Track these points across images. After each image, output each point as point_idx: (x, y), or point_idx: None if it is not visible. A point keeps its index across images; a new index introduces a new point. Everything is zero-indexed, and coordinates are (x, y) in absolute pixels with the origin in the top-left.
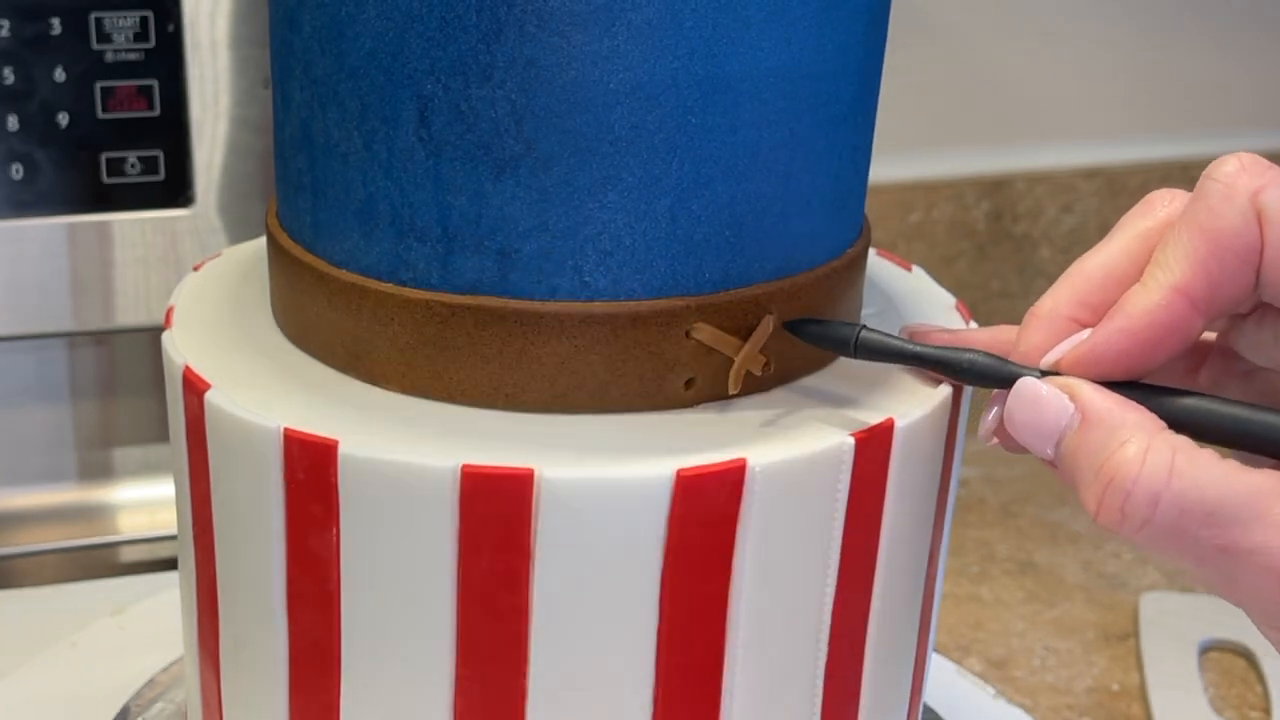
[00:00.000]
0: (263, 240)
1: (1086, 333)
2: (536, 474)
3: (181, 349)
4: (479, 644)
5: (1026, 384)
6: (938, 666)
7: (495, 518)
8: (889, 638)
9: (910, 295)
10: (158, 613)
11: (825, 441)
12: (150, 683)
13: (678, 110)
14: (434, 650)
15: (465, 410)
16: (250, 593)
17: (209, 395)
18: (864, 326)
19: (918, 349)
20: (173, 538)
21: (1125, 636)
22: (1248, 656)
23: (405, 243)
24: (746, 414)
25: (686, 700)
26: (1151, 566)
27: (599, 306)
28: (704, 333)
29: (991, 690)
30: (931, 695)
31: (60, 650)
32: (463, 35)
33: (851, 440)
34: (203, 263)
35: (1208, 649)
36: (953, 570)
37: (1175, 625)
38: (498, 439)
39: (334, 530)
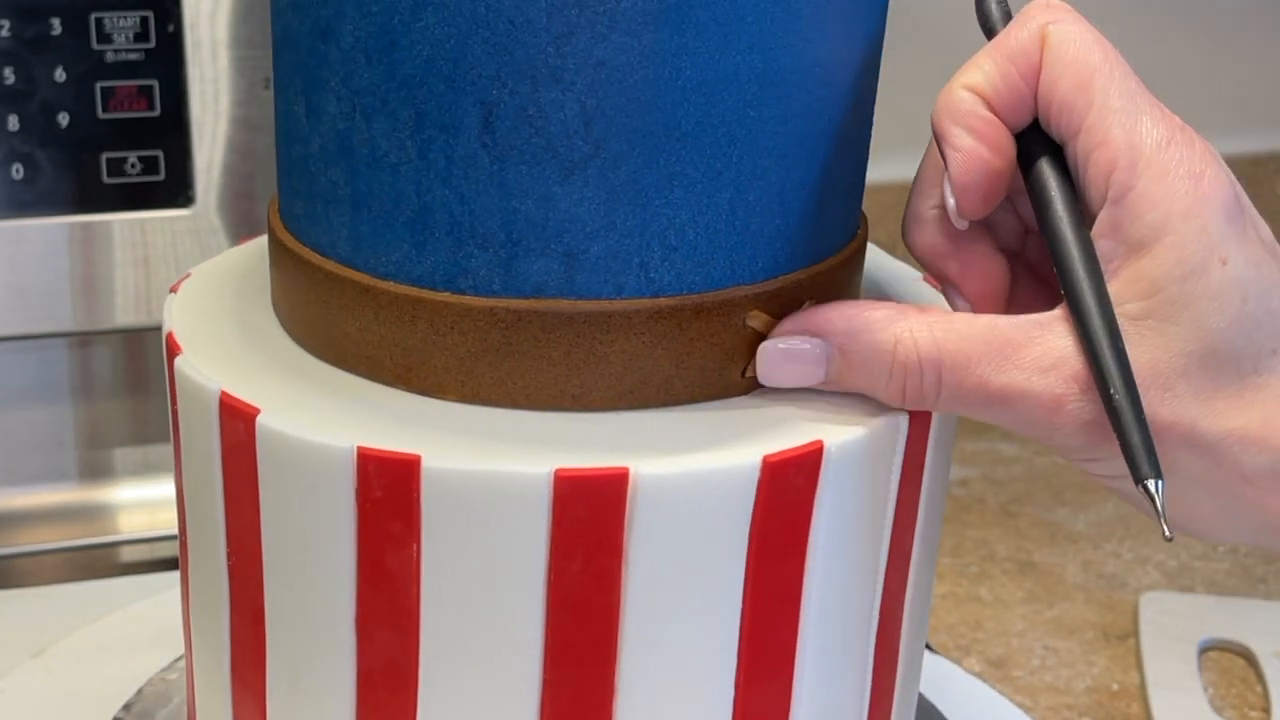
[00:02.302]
0: (233, 253)
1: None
2: (631, 473)
3: (209, 374)
4: (568, 646)
5: (772, 349)
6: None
7: (589, 520)
8: (918, 604)
9: (878, 270)
10: (82, 649)
11: (884, 418)
12: None
13: (738, 104)
14: (521, 656)
15: (531, 414)
16: (311, 618)
17: (261, 420)
18: None
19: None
20: (173, 538)
21: (1125, 636)
22: (1248, 656)
23: (465, 250)
24: (800, 396)
25: (765, 680)
26: (1151, 566)
27: (665, 302)
28: (758, 320)
29: (945, 659)
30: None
31: (14, 678)
32: (532, 39)
33: (906, 415)
34: (178, 284)
35: (1207, 649)
36: (953, 570)
37: (1175, 625)
38: (576, 441)
39: (414, 547)
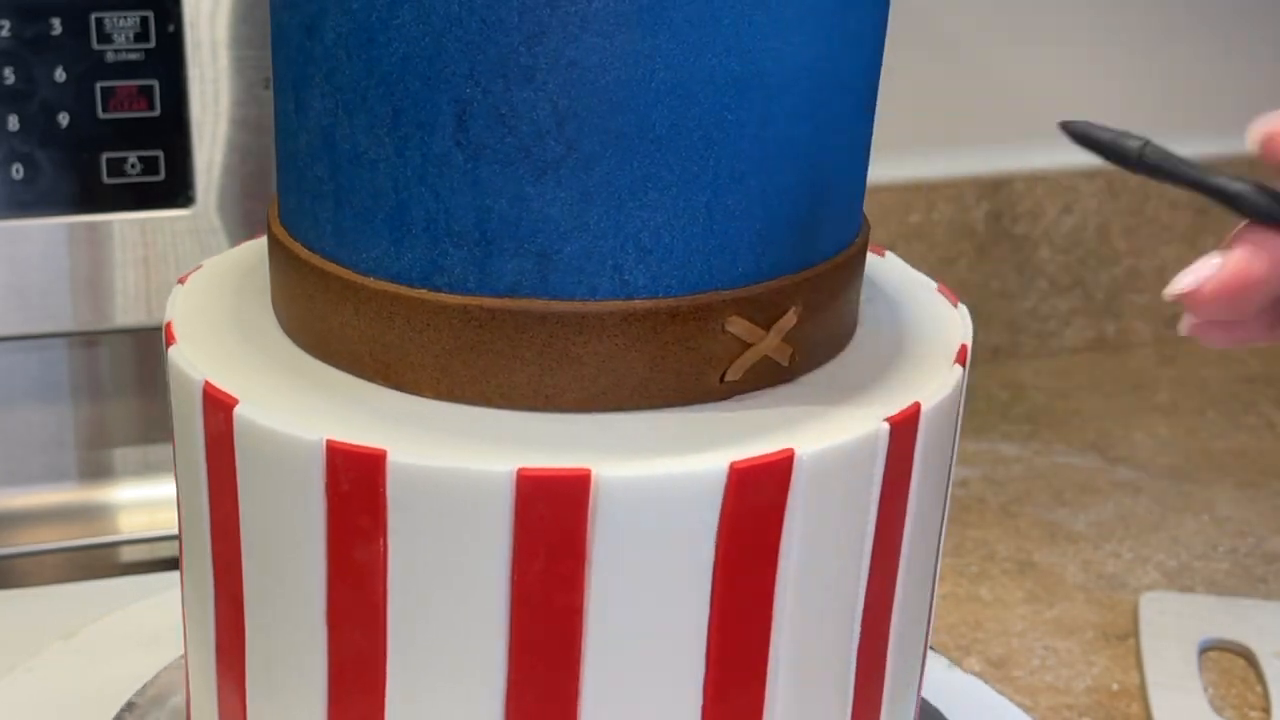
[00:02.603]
0: (245, 248)
1: None
2: (594, 474)
3: (196, 364)
4: (532, 646)
5: None
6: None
7: (551, 520)
8: (908, 618)
9: (893, 279)
10: (115, 633)
11: (863, 428)
12: (129, 706)
13: (715, 107)
14: (486, 654)
15: (505, 413)
16: (285, 608)
17: (239, 410)
18: (1148, 142)
19: (1200, 176)
20: (173, 538)
21: (1125, 636)
22: (1248, 656)
23: (440, 248)
24: (781, 403)
25: (735, 689)
26: (1151, 566)
27: (639, 304)
28: (738, 325)
29: (945, 659)
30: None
31: (16, 678)
32: (504, 38)
33: (887, 426)
34: (187, 275)
35: (1207, 649)
36: (953, 570)
37: (1175, 625)
38: (545, 441)
39: (381, 541)
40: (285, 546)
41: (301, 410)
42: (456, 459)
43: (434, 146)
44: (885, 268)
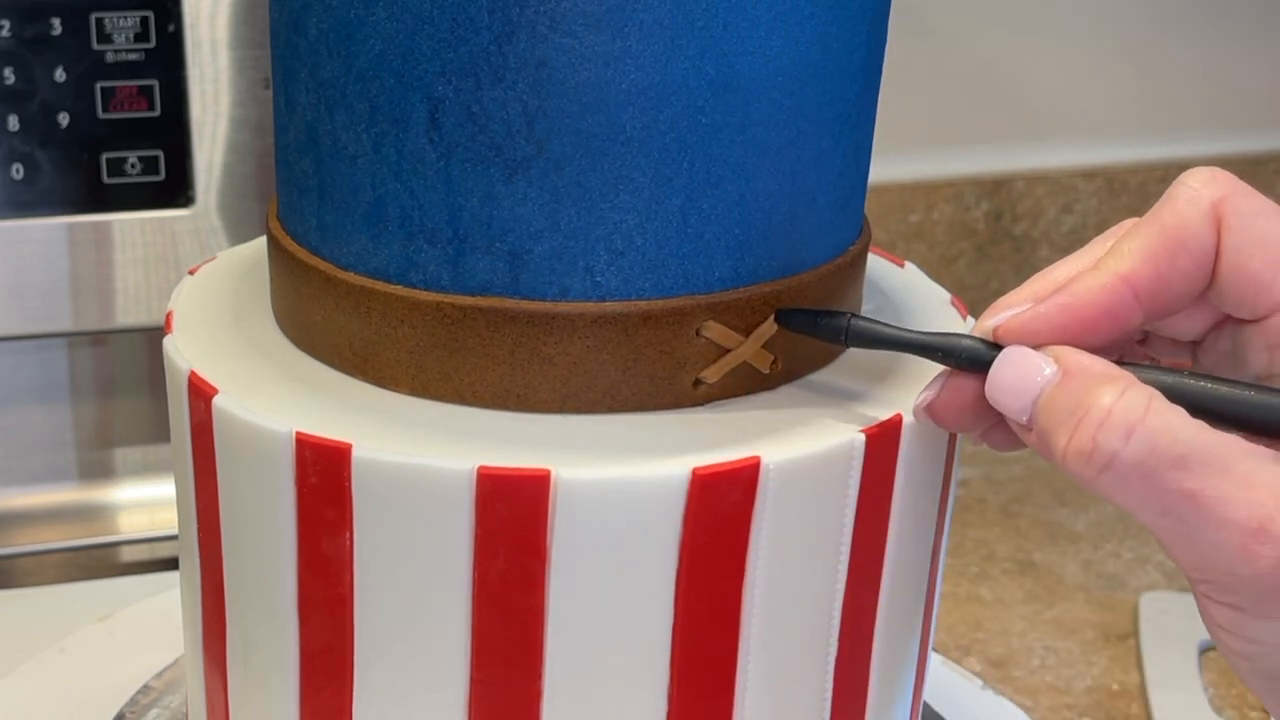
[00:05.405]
0: (258, 242)
1: (1028, 305)
2: (553, 475)
3: (185, 353)
4: (494, 645)
5: (1015, 349)
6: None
7: (511, 519)
8: (895, 634)
9: (905, 291)
10: (147, 617)
11: (836, 438)
12: (144, 689)
13: (688, 110)
14: (448, 652)
15: (476, 412)
16: (260, 597)
17: (217, 400)
18: (854, 315)
19: (909, 335)
20: (173, 538)
21: (1125, 636)
22: None
23: (415, 244)
24: (756, 412)
25: (701, 698)
26: (1151, 566)
27: (611, 306)
28: (714, 331)
29: (979, 682)
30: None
31: (49, 656)
32: (474, 37)
33: (862, 436)
34: (198, 266)
35: (1207, 649)
36: (953, 570)
37: (1175, 625)
38: (511, 440)
39: (347, 534)
40: (259, 536)
41: (276, 402)
42: (419, 455)
43: (408, 144)
44: (900, 277)
